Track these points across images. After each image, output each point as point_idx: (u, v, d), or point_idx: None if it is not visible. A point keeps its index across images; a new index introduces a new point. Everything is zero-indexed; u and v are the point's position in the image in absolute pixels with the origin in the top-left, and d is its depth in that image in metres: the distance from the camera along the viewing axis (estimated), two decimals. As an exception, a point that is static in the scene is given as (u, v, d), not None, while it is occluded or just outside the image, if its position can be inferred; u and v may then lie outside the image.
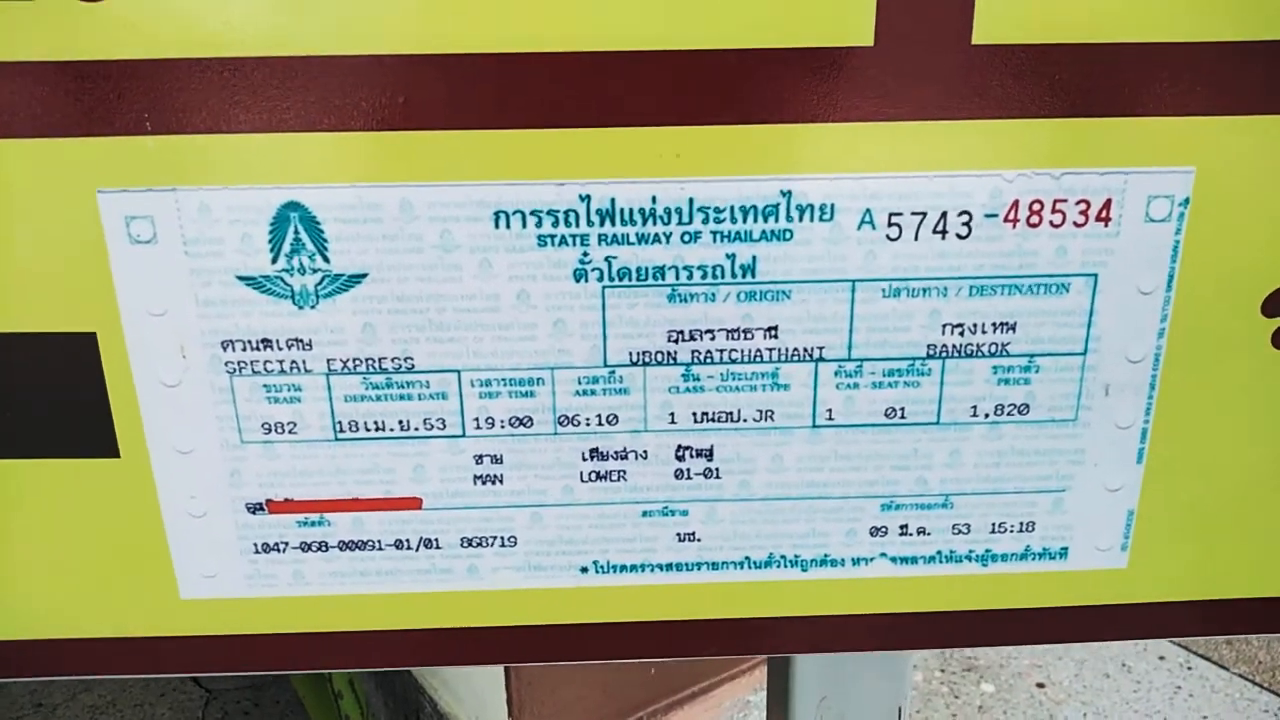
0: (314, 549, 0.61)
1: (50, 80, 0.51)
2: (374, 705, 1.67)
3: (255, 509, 0.60)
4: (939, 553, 0.63)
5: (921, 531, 0.62)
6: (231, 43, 0.50)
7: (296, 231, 0.53)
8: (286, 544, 0.60)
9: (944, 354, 0.57)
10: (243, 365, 0.56)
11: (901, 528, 0.62)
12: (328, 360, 0.56)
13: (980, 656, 2.13)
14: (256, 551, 0.61)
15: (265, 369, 0.56)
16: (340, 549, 0.61)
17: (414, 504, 0.60)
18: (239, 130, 0.52)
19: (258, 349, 0.56)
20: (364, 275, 0.54)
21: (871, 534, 0.62)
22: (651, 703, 1.76)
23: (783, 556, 0.62)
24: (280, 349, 0.56)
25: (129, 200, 0.53)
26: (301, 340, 0.56)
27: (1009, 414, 0.59)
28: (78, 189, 0.53)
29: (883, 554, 0.63)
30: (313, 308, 0.55)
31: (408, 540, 0.61)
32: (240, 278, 0.54)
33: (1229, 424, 0.60)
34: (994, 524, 0.62)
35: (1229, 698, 1.98)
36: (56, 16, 0.50)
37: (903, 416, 0.59)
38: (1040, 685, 2.04)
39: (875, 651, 0.68)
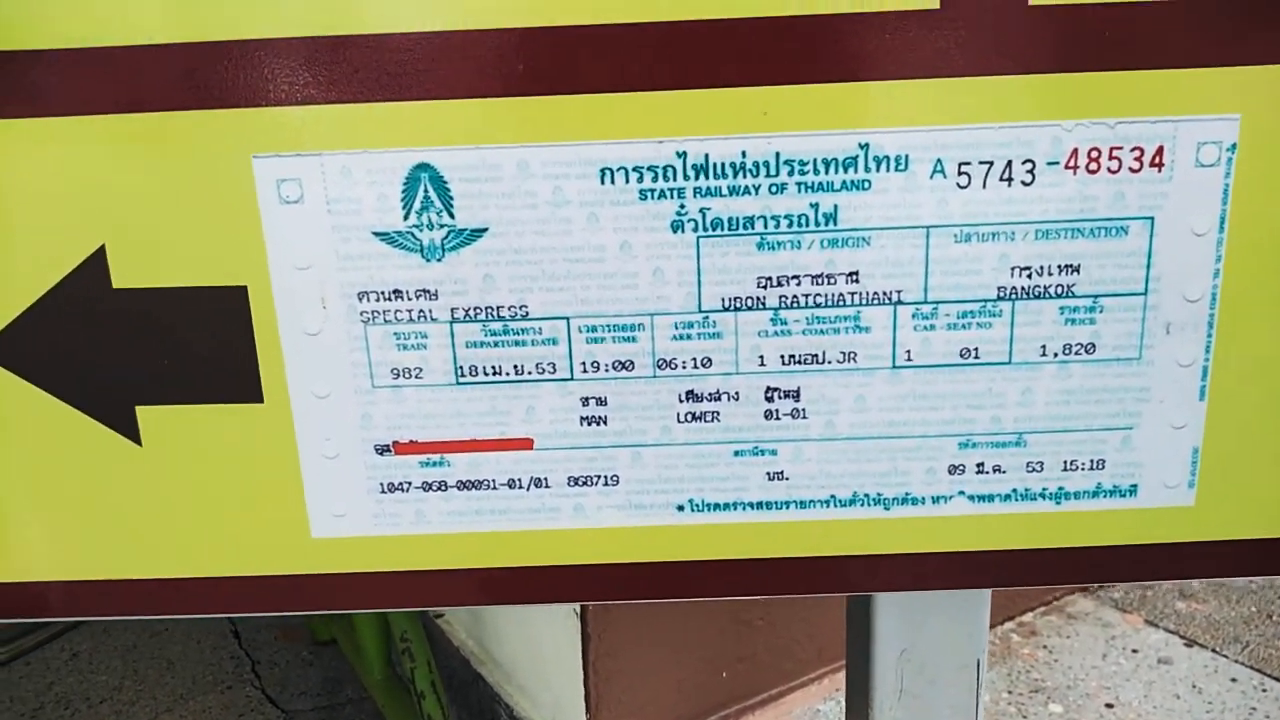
0: (434, 489, 0.66)
1: (209, 57, 0.58)
2: (449, 716, 1.71)
3: (383, 450, 0.66)
4: (1014, 490, 0.67)
5: (997, 470, 0.66)
6: (370, 21, 0.57)
7: (426, 190, 0.60)
8: (410, 484, 0.66)
9: (1013, 296, 0.62)
10: (376, 315, 0.63)
11: (978, 466, 0.66)
12: (451, 309, 0.62)
13: (1048, 678, 2.12)
14: (383, 491, 0.66)
15: (396, 318, 0.63)
16: (458, 488, 0.66)
17: (526, 444, 0.65)
18: (376, 99, 0.59)
19: (389, 299, 0.62)
20: (485, 230, 0.61)
21: (950, 472, 0.66)
22: (724, 706, 1.78)
23: (866, 495, 0.67)
24: (409, 299, 0.62)
25: (280, 164, 0.60)
26: (429, 291, 0.62)
27: (1076, 353, 0.64)
28: (234, 155, 0.60)
29: (961, 492, 0.67)
30: (439, 260, 0.61)
31: (520, 480, 0.66)
32: (375, 233, 0.61)
33: (1286, 361, 0.64)
34: (1066, 462, 0.66)
35: (1306, 720, 1.95)
36: (224, 6, 0.57)
37: (976, 357, 0.64)
38: (1109, 706, 2.03)
39: (954, 590, 0.71)
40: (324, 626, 2.35)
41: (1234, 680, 2.11)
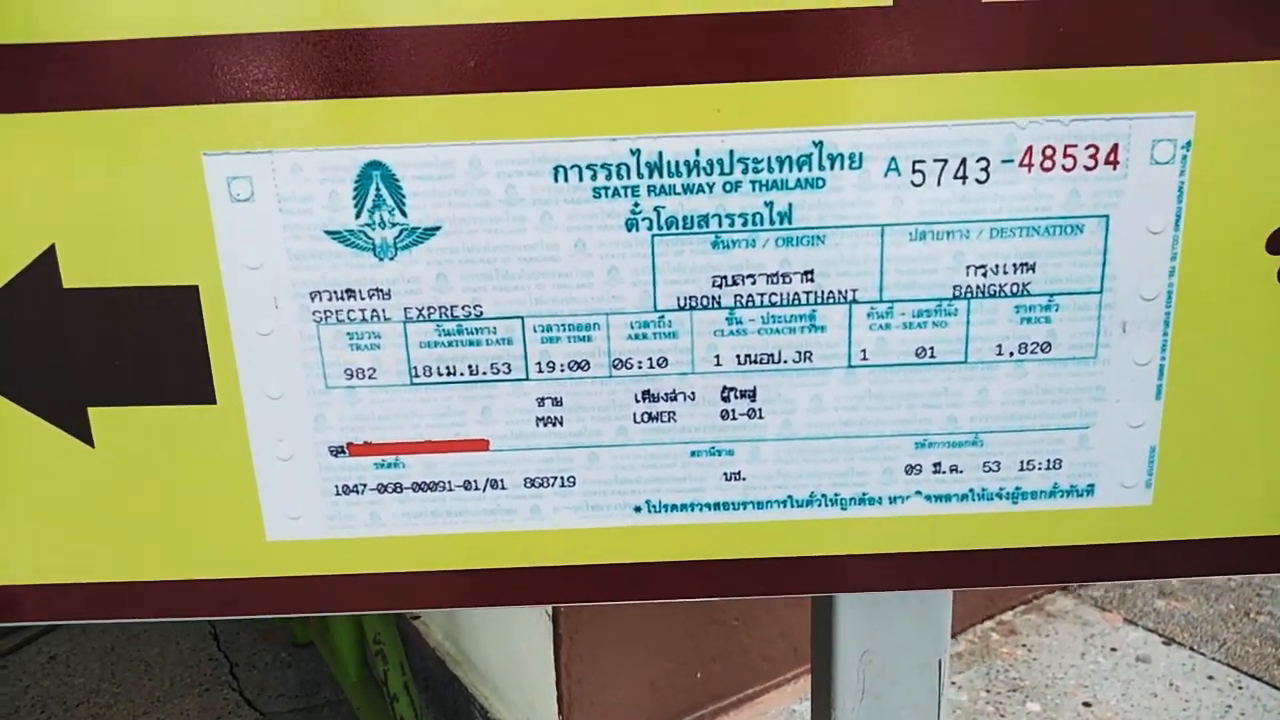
0: (389, 490, 0.66)
1: (159, 53, 0.58)
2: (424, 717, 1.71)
3: (337, 452, 0.65)
4: (971, 490, 0.67)
5: (954, 469, 0.66)
6: (320, 17, 0.57)
7: (378, 188, 0.60)
8: (365, 485, 0.66)
9: (969, 294, 0.62)
10: (328, 314, 0.62)
11: (935, 465, 0.66)
12: (405, 309, 0.62)
13: (1026, 677, 2.12)
14: (338, 493, 0.66)
15: (349, 318, 0.62)
16: (413, 490, 0.66)
17: (481, 445, 0.65)
18: (327, 96, 0.58)
19: (342, 299, 0.62)
20: (438, 228, 0.60)
21: (907, 472, 0.66)
22: (699, 707, 1.78)
23: (823, 495, 0.67)
24: (362, 298, 0.62)
25: (231, 162, 0.59)
26: (381, 290, 0.62)
27: (1032, 352, 0.64)
28: (184, 153, 0.59)
29: (918, 492, 0.67)
30: (391, 259, 0.61)
31: (475, 481, 0.66)
32: (327, 232, 0.60)
33: (1242, 361, 0.64)
34: (1022, 461, 0.66)
35: (1282, 718, 1.96)
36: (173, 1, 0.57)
37: (932, 356, 0.63)
38: (1087, 704, 2.03)
39: (913, 592, 0.71)
40: (302, 629, 2.34)
41: (1211, 678, 2.12)
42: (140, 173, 0.60)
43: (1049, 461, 0.66)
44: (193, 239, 0.61)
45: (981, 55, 0.57)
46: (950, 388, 0.64)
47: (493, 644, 1.81)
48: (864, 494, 0.67)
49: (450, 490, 0.66)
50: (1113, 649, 2.23)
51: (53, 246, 0.61)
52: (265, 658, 2.36)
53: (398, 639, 1.71)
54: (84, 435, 0.65)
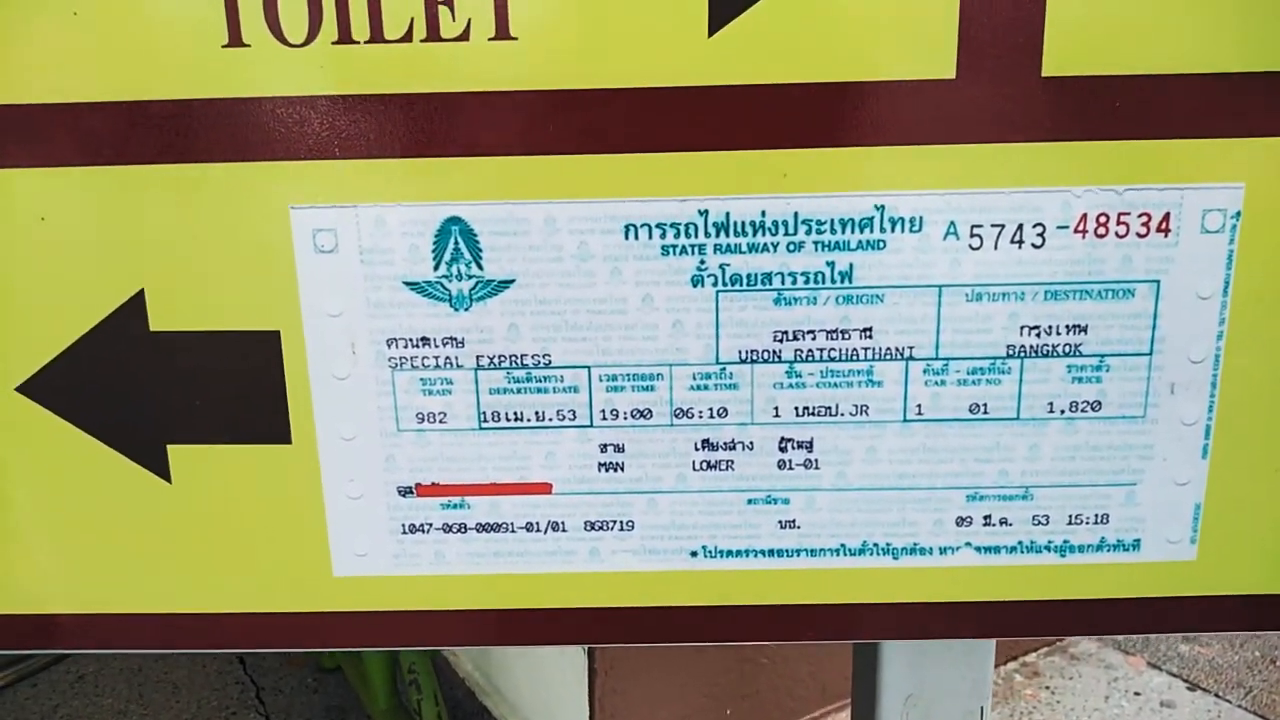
0: (454, 530, 0.68)
1: (251, 112, 0.61)
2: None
3: (405, 492, 0.67)
4: (1020, 543, 0.68)
5: (1004, 522, 0.68)
6: (406, 81, 0.60)
7: (456, 242, 0.62)
8: (430, 525, 0.68)
9: (1022, 354, 0.64)
10: (404, 361, 0.64)
11: (985, 518, 0.68)
12: (477, 356, 0.64)
13: (1049, 719, 2.12)
14: (404, 532, 0.68)
15: (423, 364, 0.65)
16: (477, 530, 0.68)
17: (545, 489, 0.67)
18: (411, 155, 0.61)
19: (417, 346, 0.64)
20: (511, 281, 0.63)
21: (958, 524, 0.68)
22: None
23: (875, 544, 0.68)
24: (437, 346, 0.64)
25: (317, 215, 0.62)
26: (455, 339, 0.64)
27: (1083, 410, 0.65)
28: (273, 205, 0.62)
29: (968, 543, 0.68)
30: (466, 310, 0.63)
31: (537, 523, 0.68)
32: (406, 283, 0.63)
33: (1287, 422, 0.66)
34: (1071, 515, 0.68)
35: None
36: (267, 63, 0.60)
37: (985, 412, 0.65)
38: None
39: (957, 640, 0.73)
40: (330, 654, 2.36)
41: (1238, 728, 2.11)
42: (230, 223, 0.62)
43: (1096, 516, 0.68)
44: (277, 287, 0.63)
45: (1039, 126, 0.60)
46: (1002, 443, 0.66)
47: (524, 676, 1.82)
48: (915, 544, 0.68)
49: (513, 531, 0.68)
50: (1136, 693, 2.23)
51: (142, 291, 0.64)
52: (291, 682, 2.38)
53: (432, 670, 1.73)
54: (162, 471, 0.68)
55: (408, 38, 0.59)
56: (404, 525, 0.68)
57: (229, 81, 0.60)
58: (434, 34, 0.59)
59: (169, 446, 0.67)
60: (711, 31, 0.58)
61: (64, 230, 0.63)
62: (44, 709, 2.30)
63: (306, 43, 0.59)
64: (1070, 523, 0.68)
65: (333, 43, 0.59)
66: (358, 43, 0.59)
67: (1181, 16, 0.58)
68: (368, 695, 1.96)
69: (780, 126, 0.60)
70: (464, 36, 0.59)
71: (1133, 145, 0.60)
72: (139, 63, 0.60)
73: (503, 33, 0.58)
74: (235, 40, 0.59)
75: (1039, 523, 0.68)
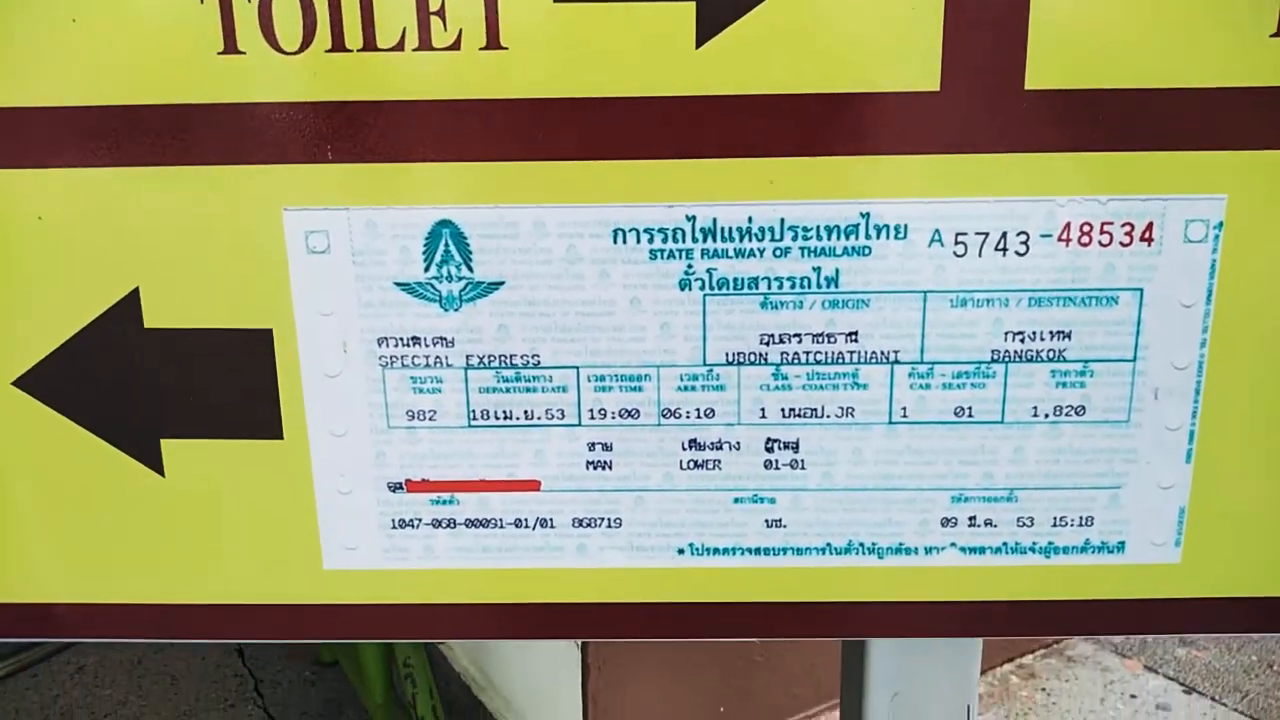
0: (443, 525, 0.69)
1: (245, 117, 0.61)
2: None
3: (395, 488, 0.68)
4: (1005, 544, 0.69)
5: (989, 523, 0.69)
6: (398, 89, 0.60)
7: (447, 245, 0.63)
8: (420, 520, 0.69)
9: (1007, 358, 0.65)
10: (394, 359, 0.65)
11: (970, 519, 0.68)
12: (466, 356, 0.65)
13: (1046, 721, 2.12)
14: (394, 527, 0.69)
15: (413, 363, 0.65)
16: (466, 526, 0.69)
17: (533, 486, 0.68)
18: (403, 160, 0.62)
19: (408, 345, 0.65)
20: (501, 283, 0.64)
21: (942, 524, 0.69)
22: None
23: (861, 544, 0.69)
24: (427, 346, 0.65)
25: (309, 217, 0.63)
26: (445, 339, 0.65)
27: (1067, 414, 0.66)
28: (266, 208, 0.63)
29: (953, 544, 0.69)
30: (456, 310, 0.64)
31: (526, 519, 0.69)
32: (397, 284, 0.64)
33: (1272, 428, 0.66)
34: (1055, 518, 0.68)
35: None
36: (262, 70, 0.61)
37: (970, 415, 0.66)
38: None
39: (944, 638, 0.73)
40: (328, 648, 2.37)
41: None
42: (223, 224, 0.63)
43: (1081, 518, 0.68)
44: (269, 286, 0.64)
45: (1023, 138, 0.60)
46: (987, 445, 0.67)
47: (518, 671, 1.83)
48: (900, 544, 0.69)
49: (501, 527, 0.69)
50: (1132, 695, 2.23)
51: (137, 289, 0.65)
52: (290, 675, 2.39)
53: (427, 662, 1.74)
54: (156, 465, 0.69)
55: (400, 46, 0.59)
56: (394, 520, 0.69)
57: (224, 88, 0.61)
58: (426, 43, 0.59)
59: (162, 441, 0.68)
60: (699, 43, 0.59)
61: (60, 229, 0.64)
62: (44, 699, 2.32)
63: (300, 50, 0.60)
64: (1055, 525, 0.69)
65: (326, 51, 0.60)
66: (351, 51, 0.60)
67: (1163, 31, 0.58)
68: (364, 689, 1.97)
69: (767, 136, 0.61)
70: (455, 46, 0.59)
71: (1116, 157, 0.61)
72: (136, 69, 0.61)
73: (493, 43, 0.59)
74: (231, 48, 0.60)
75: (1024, 524, 0.69)
